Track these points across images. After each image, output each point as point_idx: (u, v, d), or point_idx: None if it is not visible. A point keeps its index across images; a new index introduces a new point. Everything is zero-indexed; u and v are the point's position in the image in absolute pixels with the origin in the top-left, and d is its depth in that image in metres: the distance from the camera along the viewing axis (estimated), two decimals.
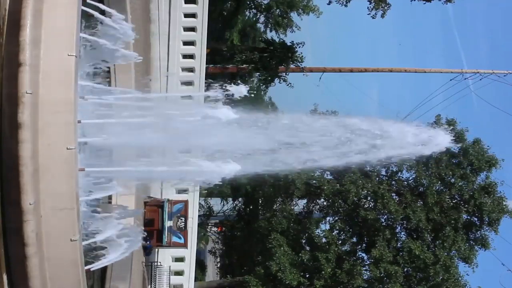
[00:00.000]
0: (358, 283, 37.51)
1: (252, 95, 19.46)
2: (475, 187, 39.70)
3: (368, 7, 48.96)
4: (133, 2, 24.12)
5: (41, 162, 14.14)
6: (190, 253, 35.17)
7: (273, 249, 38.60)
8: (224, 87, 18.53)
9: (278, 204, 43.37)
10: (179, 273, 35.78)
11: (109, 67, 22.20)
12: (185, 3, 34.21)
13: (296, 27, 56.16)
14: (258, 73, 53.45)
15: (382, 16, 49.14)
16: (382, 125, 19.67)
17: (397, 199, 40.53)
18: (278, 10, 54.91)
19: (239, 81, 19.50)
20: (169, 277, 33.73)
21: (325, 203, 42.64)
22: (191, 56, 35.18)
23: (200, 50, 34.85)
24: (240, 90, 18.85)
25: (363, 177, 39.69)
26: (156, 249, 32.94)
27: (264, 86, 54.34)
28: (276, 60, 48.57)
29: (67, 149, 14.37)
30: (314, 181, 41.68)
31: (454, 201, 40.23)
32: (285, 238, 39.91)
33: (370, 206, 40.42)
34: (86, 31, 16.87)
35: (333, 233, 40.37)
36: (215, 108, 17.88)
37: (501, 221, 39.23)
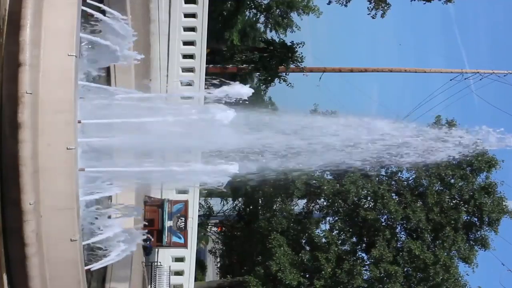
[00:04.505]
0: (358, 283, 37.51)
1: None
2: (475, 187, 39.69)
3: (368, 7, 49.11)
4: (133, 2, 24.10)
5: (41, 162, 14.14)
6: (190, 253, 35.17)
7: (273, 249, 38.60)
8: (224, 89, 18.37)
9: (278, 204, 43.36)
10: (179, 273, 35.78)
11: (108, 67, 22.20)
12: (185, 3, 34.20)
13: (296, 27, 56.17)
14: (258, 73, 53.51)
15: (382, 16, 49.27)
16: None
17: (397, 199, 40.54)
18: (278, 10, 54.91)
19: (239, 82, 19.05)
20: (169, 277, 33.74)
21: (325, 203, 42.63)
22: (191, 56, 35.18)
23: (200, 50, 34.84)
24: (242, 91, 18.58)
25: (363, 177, 39.69)
26: (156, 249, 32.94)
27: (264, 86, 54.40)
28: (276, 60, 48.62)
29: (67, 149, 14.37)
30: (314, 181, 41.68)
31: (454, 201, 40.21)
32: (285, 238, 39.91)
33: (370, 206, 40.41)
34: (88, 32, 16.88)
35: (333, 233, 40.36)
36: (215, 109, 17.80)
37: (501, 221, 39.26)
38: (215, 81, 18.60)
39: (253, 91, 18.74)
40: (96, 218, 17.35)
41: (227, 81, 18.70)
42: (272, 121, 19.45)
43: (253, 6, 55.33)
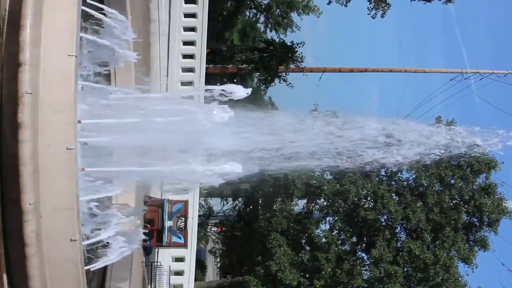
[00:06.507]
0: (358, 283, 37.53)
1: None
2: (475, 187, 39.71)
3: (368, 7, 49.13)
4: (133, 2, 24.08)
5: (41, 162, 14.14)
6: (190, 253, 35.17)
7: (273, 249, 38.61)
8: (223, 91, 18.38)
9: (278, 204, 43.36)
10: (179, 273, 35.79)
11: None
12: (185, 3, 34.21)
13: (296, 27, 56.15)
14: (258, 73, 53.52)
15: (382, 16, 49.29)
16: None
17: (397, 199, 40.54)
18: (278, 10, 54.89)
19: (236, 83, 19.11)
20: (169, 277, 33.73)
21: (325, 203, 42.63)
22: (191, 56, 35.19)
23: (200, 50, 34.85)
24: (240, 92, 18.64)
25: (363, 177, 39.68)
26: (156, 249, 32.93)
27: (264, 86, 54.41)
28: (276, 60, 48.64)
29: (67, 149, 14.37)
30: (314, 181, 41.67)
31: (454, 202, 40.23)
32: (285, 238, 39.91)
33: (370, 206, 40.41)
34: (88, 32, 16.88)
35: (333, 233, 40.38)
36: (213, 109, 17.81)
37: (501, 222, 39.28)
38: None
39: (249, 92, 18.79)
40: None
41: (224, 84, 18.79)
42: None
43: (253, 6, 55.32)
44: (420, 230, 38.58)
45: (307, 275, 39.78)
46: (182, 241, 30.74)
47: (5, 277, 14.35)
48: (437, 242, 38.83)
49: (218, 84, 18.87)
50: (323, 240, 39.99)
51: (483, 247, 39.49)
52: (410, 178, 41.54)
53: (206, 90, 18.88)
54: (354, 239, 41.15)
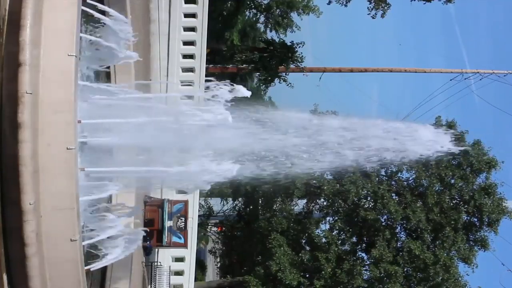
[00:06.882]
0: (358, 283, 37.51)
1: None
2: (475, 187, 39.69)
3: (368, 7, 49.13)
4: (133, 2, 24.08)
5: (41, 162, 14.14)
6: (190, 253, 35.18)
7: (273, 249, 38.60)
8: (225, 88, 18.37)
9: (278, 204, 43.35)
10: (179, 273, 35.79)
11: (109, 68, 22.21)
12: (185, 3, 34.21)
13: (296, 27, 56.17)
14: (258, 73, 53.53)
15: (382, 16, 49.30)
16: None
17: (397, 199, 40.51)
18: (278, 10, 54.90)
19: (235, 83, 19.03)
20: (169, 277, 33.74)
21: (325, 203, 42.61)
22: (191, 56, 35.19)
23: (200, 50, 34.85)
24: (241, 91, 18.64)
25: (363, 177, 39.66)
26: (156, 249, 32.94)
27: (264, 86, 54.42)
28: (276, 60, 48.65)
29: (67, 149, 14.37)
30: (314, 181, 41.65)
31: (454, 202, 40.21)
32: (285, 238, 39.90)
33: (370, 206, 40.39)
34: (88, 32, 16.89)
35: (333, 233, 40.36)
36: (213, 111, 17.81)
37: (501, 222, 39.26)
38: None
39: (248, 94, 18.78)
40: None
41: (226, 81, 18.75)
42: None
43: (253, 6, 55.32)
44: (420, 230, 38.56)
45: (307, 275, 39.77)
46: (182, 241, 30.76)
47: (5, 277, 14.35)
48: (437, 242, 38.80)
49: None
50: (323, 240, 39.97)
51: (483, 247, 39.47)
52: (410, 178, 41.53)
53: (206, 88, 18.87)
54: (354, 239, 41.13)
